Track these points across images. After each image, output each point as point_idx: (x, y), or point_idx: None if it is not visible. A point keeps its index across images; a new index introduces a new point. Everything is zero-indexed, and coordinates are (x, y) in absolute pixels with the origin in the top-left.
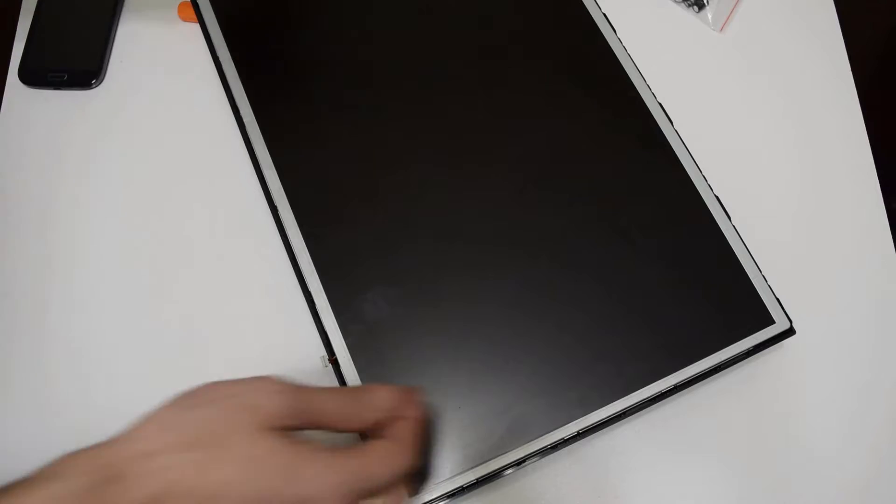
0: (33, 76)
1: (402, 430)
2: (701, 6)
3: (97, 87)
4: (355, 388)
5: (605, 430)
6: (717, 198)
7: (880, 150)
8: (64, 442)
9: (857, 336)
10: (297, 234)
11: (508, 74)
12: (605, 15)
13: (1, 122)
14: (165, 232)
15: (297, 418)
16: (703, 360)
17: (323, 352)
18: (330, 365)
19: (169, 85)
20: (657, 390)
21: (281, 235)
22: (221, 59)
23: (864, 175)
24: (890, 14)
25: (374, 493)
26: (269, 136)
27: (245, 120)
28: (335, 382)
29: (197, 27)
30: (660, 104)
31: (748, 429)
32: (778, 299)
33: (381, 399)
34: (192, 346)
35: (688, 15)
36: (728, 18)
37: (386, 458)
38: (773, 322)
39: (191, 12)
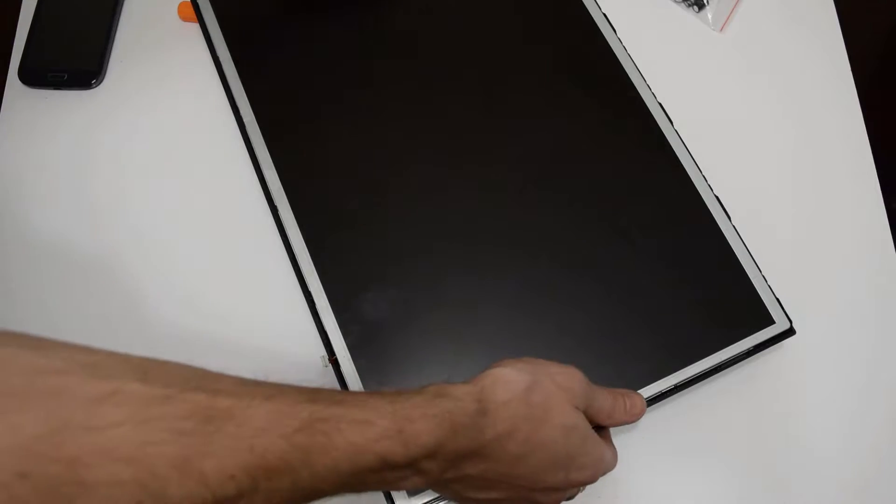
0: (33, 76)
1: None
2: (701, 6)
3: (97, 87)
4: (619, 393)
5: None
6: (717, 198)
7: (880, 150)
8: None
9: (857, 336)
10: (297, 234)
11: (508, 75)
12: (605, 15)
13: (1, 122)
14: (164, 232)
15: (583, 404)
16: (703, 360)
17: (323, 351)
18: (330, 365)
19: (169, 85)
20: (657, 390)
21: (281, 235)
22: (221, 59)
23: (864, 175)
24: (890, 14)
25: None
26: (269, 135)
27: (245, 119)
28: (335, 382)
29: (197, 27)
30: (660, 104)
31: (748, 428)
32: (778, 299)
33: (637, 409)
34: (191, 344)
35: (688, 15)
36: (728, 18)
37: (614, 454)
38: (773, 322)
39: (191, 12)
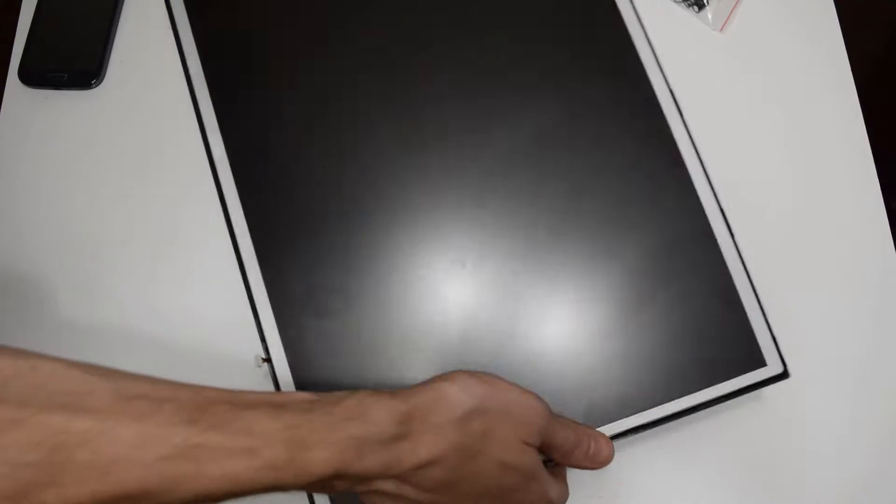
0: (33, 76)
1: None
2: (701, 6)
3: (97, 87)
4: (584, 433)
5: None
6: (721, 211)
7: (880, 150)
8: None
9: (856, 336)
10: (241, 220)
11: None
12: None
13: (1, 122)
14: (164, 233)
15: (538, 440)
16: (679, 399)
17: (259, 350)
18: (264, 364)
19: (169, 85)
20: (620, 429)
21: (227, 226)
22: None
23: (864, 175)
24: (890, 14)
25: None
26: (220, 112)
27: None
28: (268, 381)
29: None
30: (687, 131)
31: (748, 428)
32: (774, 338)
33: (601, 456)
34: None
35: (688, 15)
36: (728, 18)
37: (563, 494)
38: (764, 364)
39: None
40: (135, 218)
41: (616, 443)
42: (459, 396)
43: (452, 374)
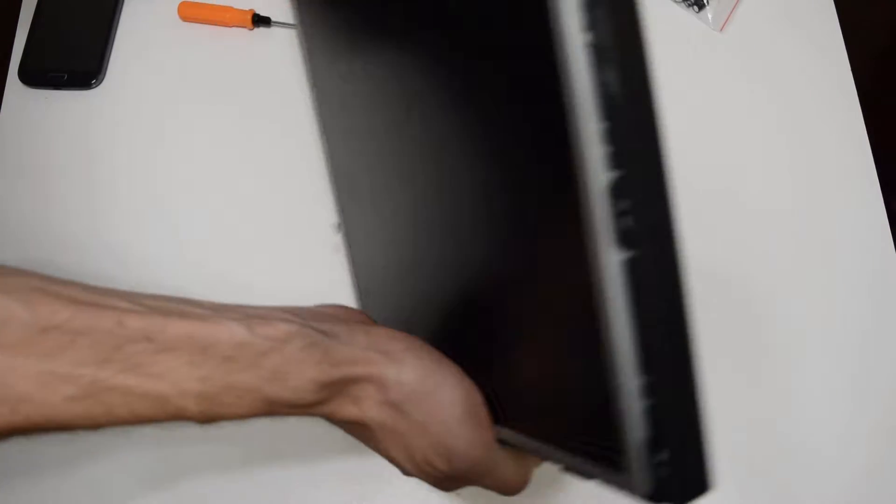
0: (33, 76)
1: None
2: (701, 6)
3: (97, 87)
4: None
5: None
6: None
7: (880, 150)
8: None
9: (856, 336)
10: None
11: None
12: None
13: (1, 122)
14: (162, 234)
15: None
16: None
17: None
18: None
19: (169, 85)
20: None
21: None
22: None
23: (864, 175)
24: (890, 14)
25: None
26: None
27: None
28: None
29: (198, 26)
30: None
31: (748, 428)
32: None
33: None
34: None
35: (688, 15)
36: (728, 18)
37: (517, 477)
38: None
39: (191, 12)
40: (135, 218)
41: None
42: (400, 381)
43: (397, 352)
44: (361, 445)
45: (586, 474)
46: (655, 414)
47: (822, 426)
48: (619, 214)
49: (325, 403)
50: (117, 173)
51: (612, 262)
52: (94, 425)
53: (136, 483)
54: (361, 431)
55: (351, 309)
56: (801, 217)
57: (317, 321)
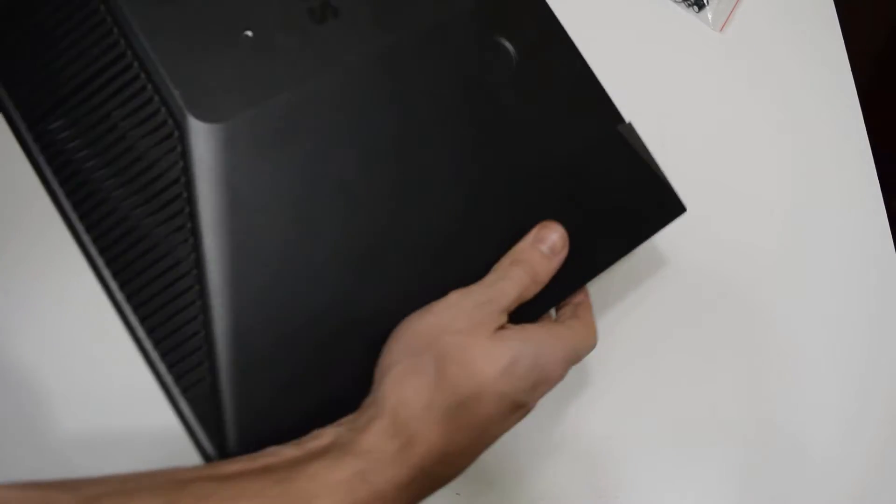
0: None
1: (586, 313)
2: (701, 6)
3: None
4: (525, 252)
5: (607, 429)
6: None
7: (880, 150)
8: None
9: (856, 336)
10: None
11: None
12: None
13: (1, 121)
14: None
15: (502, 323)
16: None
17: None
18: None
19: None
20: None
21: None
22: None
23: (864, 175)
24: (890, 14)
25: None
26: None
27: None
28: None
29: None
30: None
31: (748, 429)
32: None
33: (552, 242)
34: None
35: (688, 15)
36: (728, 18)
37: (587, 336)
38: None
39: None
40: None
41: (619, 440)
42: (418, 381)
43: (390, 353)
44: None
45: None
46: None
47: (822, 426)
48: None
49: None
50: None
51: None
52: None
53: None
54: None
55: None
56: (801, 217)
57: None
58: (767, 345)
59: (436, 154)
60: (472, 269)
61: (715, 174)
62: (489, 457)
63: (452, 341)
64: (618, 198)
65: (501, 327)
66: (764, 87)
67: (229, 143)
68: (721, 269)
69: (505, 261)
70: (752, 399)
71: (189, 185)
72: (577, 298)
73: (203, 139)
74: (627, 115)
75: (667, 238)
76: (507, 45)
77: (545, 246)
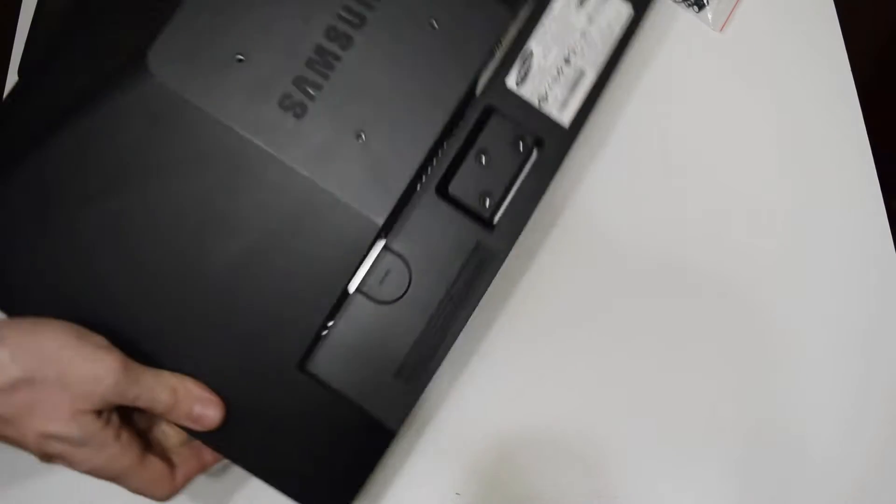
0: None
1: (188, 473)
2: (701, 6)
3: None
4: (187, 395)
5: (607, 429)
6: None
7: (880, 150)
8: None
9: (856, 336)
10: None
11: None
12: None
13: None
14: None
15: (108, 402)
16: None
17: None
18: None
19: None
20: None
21: None
22: None
23: (864, 175)
24: (890, 14)
25: None
26: None
27: None
28: None
29: None
30: None
31: (748, 429)
32: None
33: (207, 420)
34: None
35: (688, 15)
36: (728, 18)
37: (157, 483)
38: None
39: None
40: None
41: (619, 439)
42: (7, 366)
43: (9, 335)
44: None
45: None
46: None
47: (822, 426)
48: None
49: None
50: None
51: None
52: None
53: None
54: None
55: None
56: (801, 217)
57: None
58: (767, 345)
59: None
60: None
61: (715, 174)
62: (489, 456)
63: (51, 385)
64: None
65: (85, 412)
66: (764, 87)
67: None
68: (721, 269)
69: (181, 383)
70: (752, 399)
71: None
72: (205, 458)
73: None
74: (628, 115)
75: (667, 238)
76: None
77: (204, 421)
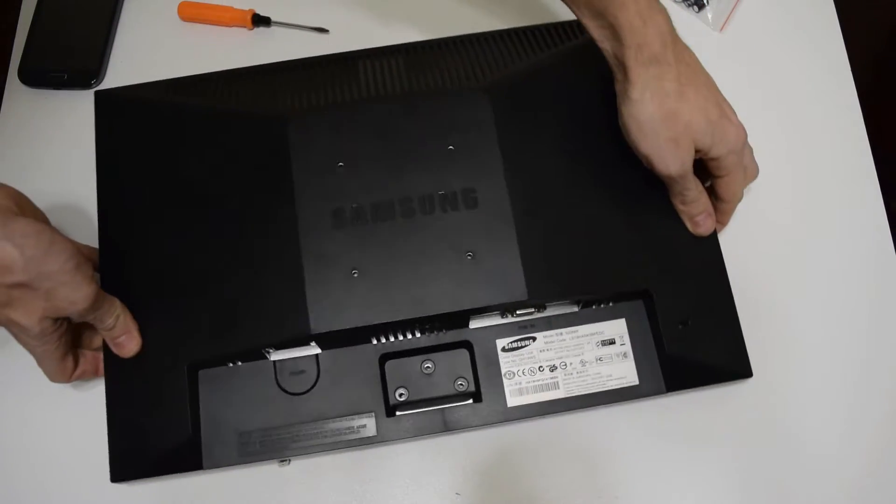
0: (33, 76)
1: (85, 374)
2: (701, 6)
3: (97, 87)
4: (121, 329)
5: (607, 429)
6: None
7: (880, 150)
8: None
9: (856, 336)
10: None
11: None
12: None
13: (1, 122)
14: None
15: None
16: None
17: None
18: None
19: None
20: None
21: None
22: None
23: (864, 175)
24: (890, 14)
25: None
26: None
27: None
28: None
29: (198, 26)
30: None
31: (748, 429)
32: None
33: (126, 348)
34: None
35: (688, 15)
36: (728, 18)
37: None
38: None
39: (191, 12)
40: None
41: (620, 439)
42: (19, 271)
43: (26, 244)
44: None
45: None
46: None
47: (822, 426)
48: None
49: None
50: None
51: None
52: None
53: None
54: None
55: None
56: (801, 217)
57: None
58: (766, 344)
59: None
60: None
61: None
62: (489, 456)
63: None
64: None
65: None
66: (764, 87)
67: None
68: None
69: (119, 309)
70: (752, 399)
71: None
72: (100, 369)
73: None
74: None
75: None
76: None
77: (123, 347)
